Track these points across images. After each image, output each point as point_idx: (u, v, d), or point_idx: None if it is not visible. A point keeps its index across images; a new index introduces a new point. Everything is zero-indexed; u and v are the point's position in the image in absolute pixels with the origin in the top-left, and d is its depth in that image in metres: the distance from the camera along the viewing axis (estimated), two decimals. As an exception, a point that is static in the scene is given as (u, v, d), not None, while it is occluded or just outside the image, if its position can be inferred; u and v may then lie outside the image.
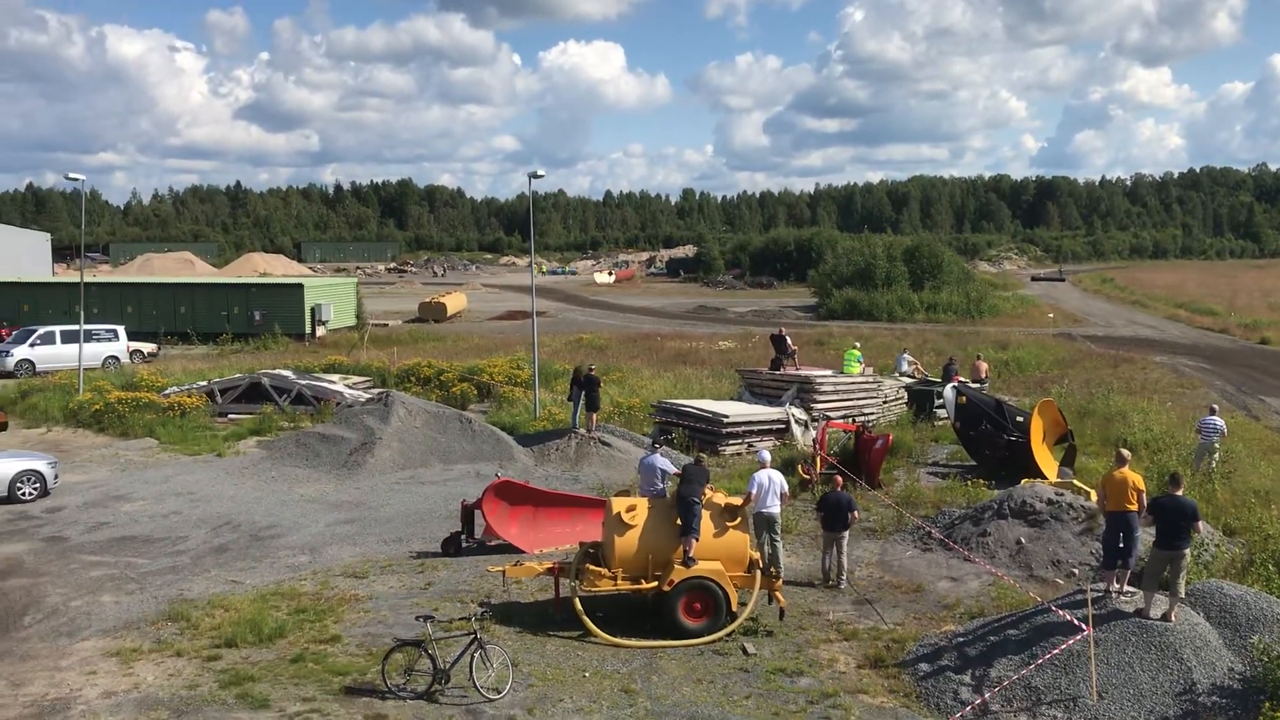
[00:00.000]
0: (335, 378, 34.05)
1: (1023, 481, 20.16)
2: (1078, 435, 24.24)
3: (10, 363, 39.51)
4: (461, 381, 33.85)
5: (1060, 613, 12.97)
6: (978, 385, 30.20)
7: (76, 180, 35.59)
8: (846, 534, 16.62)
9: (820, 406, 27.00)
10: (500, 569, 15.28)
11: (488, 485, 18.61)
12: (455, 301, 70.29)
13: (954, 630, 14.14)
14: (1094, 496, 17.49)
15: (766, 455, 16.95)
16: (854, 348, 32.44)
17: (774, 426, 26.13)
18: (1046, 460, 22.45)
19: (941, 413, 28.20)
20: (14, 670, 13.22)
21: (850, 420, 26.11)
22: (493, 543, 18.16)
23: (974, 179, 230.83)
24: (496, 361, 37.27)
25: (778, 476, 16.20)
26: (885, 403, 29.31)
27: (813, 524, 18.34)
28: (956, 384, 27.88)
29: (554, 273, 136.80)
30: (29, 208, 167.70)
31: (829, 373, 29.74)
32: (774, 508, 15.95)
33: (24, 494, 21.48)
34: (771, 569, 15.23)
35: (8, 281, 57.23)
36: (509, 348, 44.08)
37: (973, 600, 15.67)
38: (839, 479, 17.73)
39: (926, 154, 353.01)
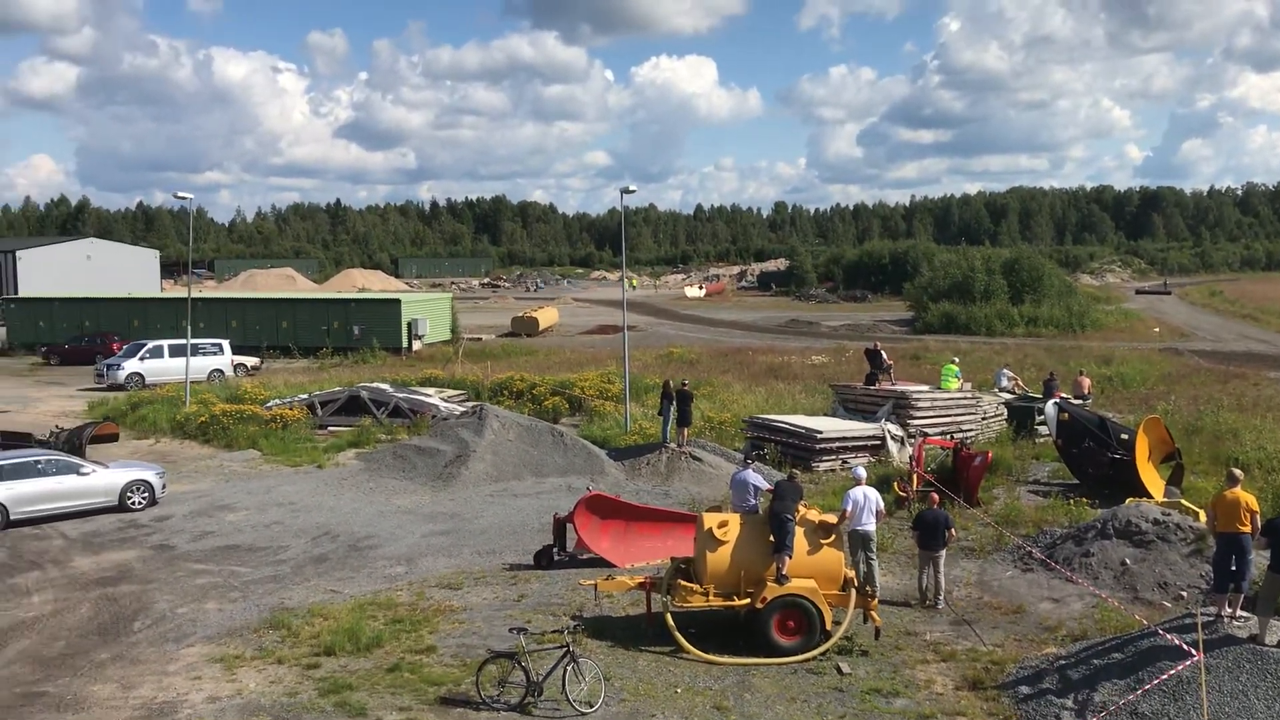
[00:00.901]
0: (431, 391, 34.58)
1: (1128, 500, 19.55)
2: (1186, 454, 23.44)
3: (121, 375, 41.01)
4: (553, 395, 34.11)
5: (1168, 637, 12.52)
6: (1080, 401, 29.42)
7: (184, 199, 36.86)
8: (943, 553, 16.30)
9: (917, 422, 26.60)
10: (592, 583, 15.32)
11: (579, 499, 18.69)
12: (547, 316, 70.88)
13: (1055, 653, 13.75)
14: (1203, 517, 16.90)
15: (862, 472, 16.74)
16: (952, 362, 31.88)
17: (869, 443, 25.78)
18: (1152, 479, 21.77)
19: (1043, 429, 27.57)
20: (125, 674, 13.67)
21: (948, 437, 25.66)
22: (584, 556, 18.22)
23: (1075, 190, 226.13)
24: (588, 375, 37.49)
25: (873, 494, 16.02)
26: (984, 419, 28.74)
27: (909, 542, 18.03)
28: (1058, 400, 27.23)
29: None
30: (139, 225, 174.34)
31: (926, 388, 29.28)
32: (869, 525, 15.78)
33: (134, 503, 22.24)
34: (867, 587, 15.03)
35: (119, 297, 59.60)
36: (600, 362, 44.31)
37: (1075, 622, 15.23)
38: (935, 496, 17.43)
39: (1025, 165, 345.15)
